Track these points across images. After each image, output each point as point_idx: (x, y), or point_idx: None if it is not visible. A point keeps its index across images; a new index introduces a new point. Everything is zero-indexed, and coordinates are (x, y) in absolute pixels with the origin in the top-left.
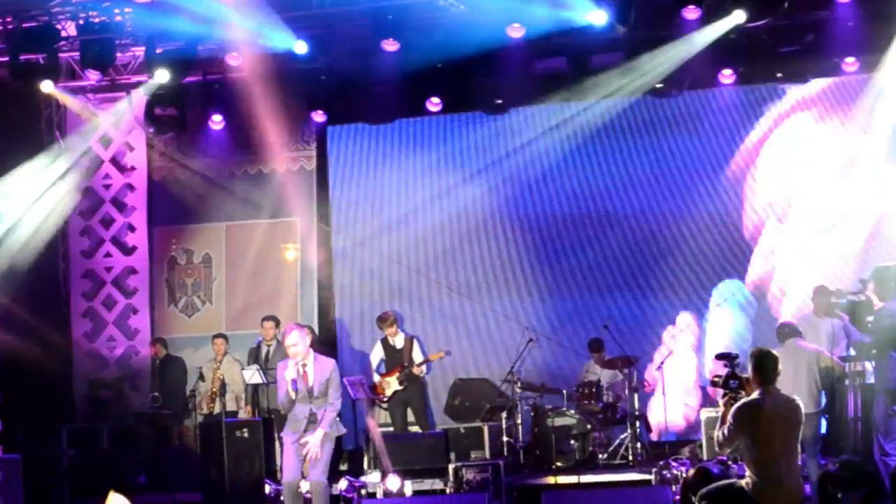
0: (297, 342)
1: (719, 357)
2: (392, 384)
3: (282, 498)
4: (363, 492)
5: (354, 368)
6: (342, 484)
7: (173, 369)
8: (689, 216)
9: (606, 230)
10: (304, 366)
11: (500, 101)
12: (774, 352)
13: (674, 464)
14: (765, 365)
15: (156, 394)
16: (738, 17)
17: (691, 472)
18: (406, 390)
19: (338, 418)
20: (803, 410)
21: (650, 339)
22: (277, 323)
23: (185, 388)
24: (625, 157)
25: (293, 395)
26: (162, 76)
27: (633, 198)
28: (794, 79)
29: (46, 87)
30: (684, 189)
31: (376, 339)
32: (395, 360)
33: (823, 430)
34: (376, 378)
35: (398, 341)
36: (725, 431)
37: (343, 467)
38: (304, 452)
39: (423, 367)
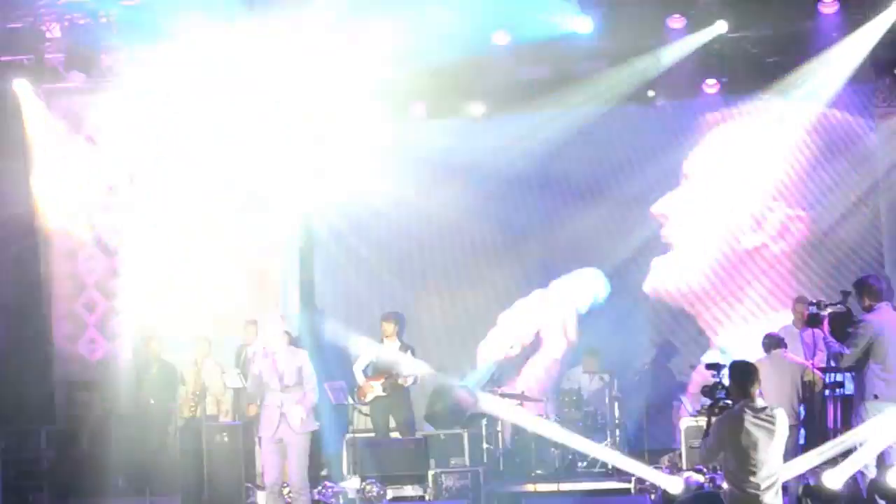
0: (266, 330)
1: (708, 367)
2: (375, 389)
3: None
4: (342, 497)
5: (336, 365)
6: (322, 490)
7: (165, 373)
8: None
9: (591, 236)
10: (273, 353)
11: (484, 108)
12: (755, 363)
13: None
14: (745, 376)
15: (150, 399)
16: (720, 27)
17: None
18: (389, 397)
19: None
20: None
21: (631, 345)
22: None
23: (172, 394)
24: (611, 164)
25: (267, 383)
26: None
27: (616, 203)
28: (779, 89)
29: (20, 85)
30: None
31: (363, 339)
32: (385, 365)
33: (802, 441)
34: (361, 380)
35: (393, 347)
36: (708, 444)
37: (323, 472)
38: (283, 452)
39: (410, 379)
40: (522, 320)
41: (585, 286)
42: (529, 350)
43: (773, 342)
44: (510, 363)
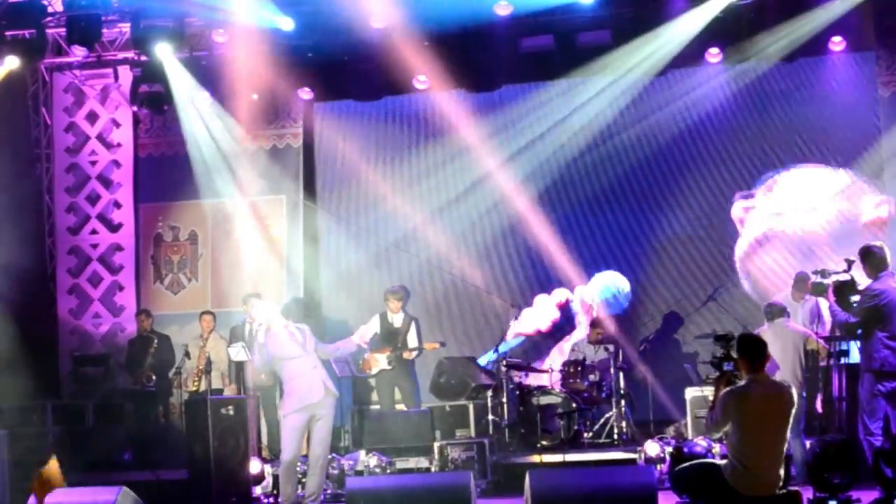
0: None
1: (717, 339)
2: (380, 362)
3: (278, 475)
4: (349, 469)
5: (340, 339)
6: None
7: (161, 346)
8: (680, 199)
9: (594, 208)
10: (286, 329)
11: (486, 79)
12: (762, 336)
13: (659, 443)
14: (752, 351)
15: (151, 374)
16: None
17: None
18: (394, 370)
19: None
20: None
21: (637, 321)
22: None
23: (171, 365)
24: (613, 135)
25: (282, 356)
26: (163, 50)
27: (620, 176)
28: (781, 57)
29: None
30: (675, 170)
31: (372, 315)
32: (390, 338)
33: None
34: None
35: (397, 320)
36: (714, 417)
37: (343, 444)
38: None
39: (415, 353)
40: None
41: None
42: (558, 332)
43: (775, 311)
44: (542, 342)
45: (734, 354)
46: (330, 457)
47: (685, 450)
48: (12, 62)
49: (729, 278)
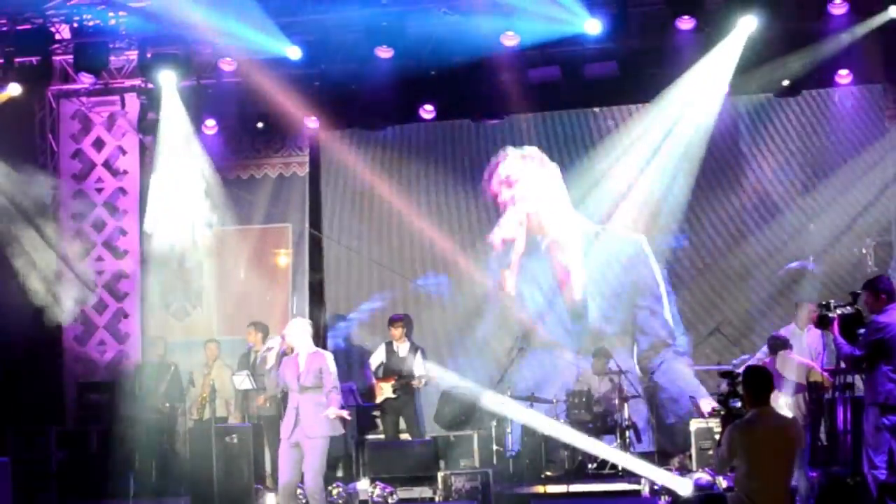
0: (288, 332)
1: (722, 375)
2: (385, 390)
3: (278, 501)
4: (354, 499)
5: (344, 373)
6: (333, 491)
7: (175, 375)
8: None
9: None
10: (296, 356)
11: (493, 109)
12: (768, 368)
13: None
14: (757, 384)
15: (166, 402)
16: (749, 23)
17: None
18: (399, 399)
19: (338, 420)
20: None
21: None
22: (259, 328)
23: (178, 394)
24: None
25: (286, 385)
26: (166, 78)
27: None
28: (786, 89)
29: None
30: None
31: (377, 344)
32: (395, 367)
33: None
34: (371, 381)
35: (402, 349)
36: (721, 454)
37: (339, 473)
38: (299, 455)
39: (423, 381)
40: None
41: None
42: None
43: (778, 343)
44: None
45: (740, 391)
46: (335, 486)
47: (700, 482)
48: (15, 89)
49: (732, 310)
